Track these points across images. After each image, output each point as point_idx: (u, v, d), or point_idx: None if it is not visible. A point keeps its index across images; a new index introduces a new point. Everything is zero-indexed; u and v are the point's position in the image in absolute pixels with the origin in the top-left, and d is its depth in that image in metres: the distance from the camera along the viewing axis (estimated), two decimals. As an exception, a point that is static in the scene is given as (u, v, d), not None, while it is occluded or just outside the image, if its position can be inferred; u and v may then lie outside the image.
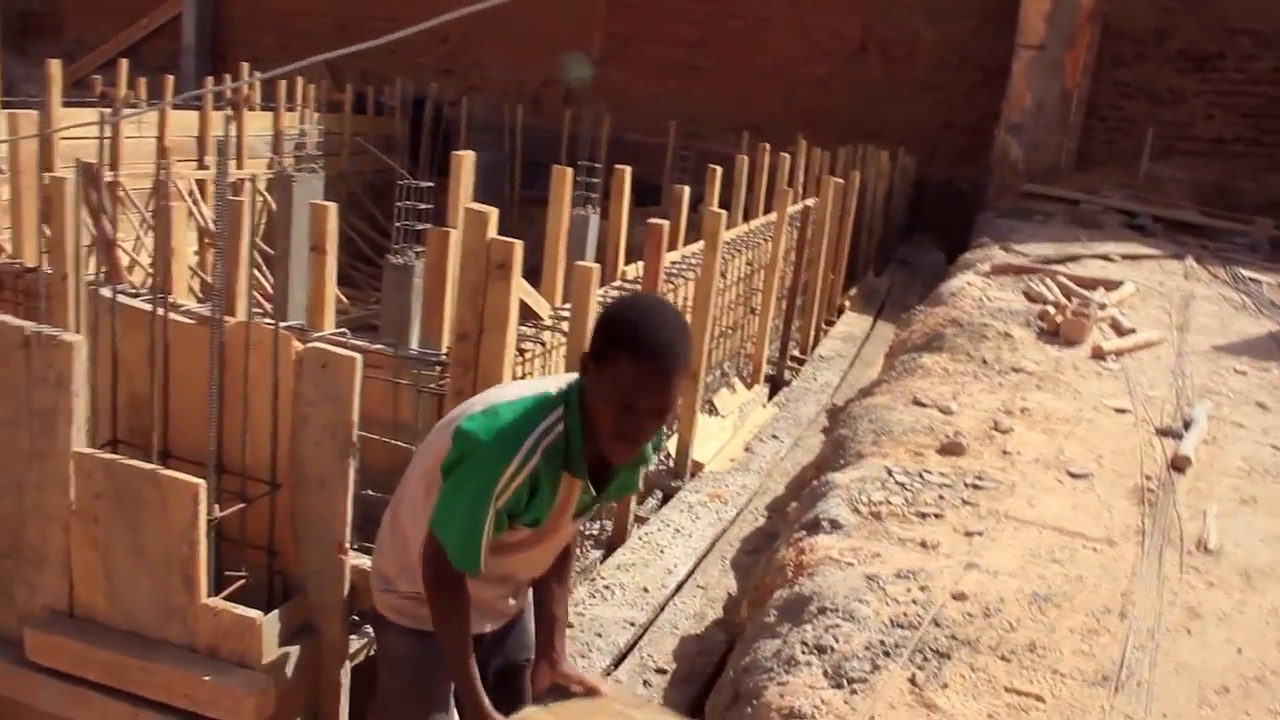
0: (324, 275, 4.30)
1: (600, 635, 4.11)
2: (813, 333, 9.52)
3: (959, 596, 3.30)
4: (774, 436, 6.76)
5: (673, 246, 5.84)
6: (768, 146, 8.95)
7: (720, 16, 15.91)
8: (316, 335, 3.64)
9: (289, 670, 2.55)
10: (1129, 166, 13.26)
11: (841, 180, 9.66)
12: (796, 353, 9.12)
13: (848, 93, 15.19)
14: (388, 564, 2.54)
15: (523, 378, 4.10)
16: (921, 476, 4.25)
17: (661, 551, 4.87)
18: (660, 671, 4.04)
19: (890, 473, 4.27)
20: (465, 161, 4.30)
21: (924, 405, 5.14)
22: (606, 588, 4.47)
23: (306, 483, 2.58)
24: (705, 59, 15.93)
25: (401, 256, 5.19)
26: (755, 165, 8.74)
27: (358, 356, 2.45)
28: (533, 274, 4.72)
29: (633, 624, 4.26)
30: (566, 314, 4.40)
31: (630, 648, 4.17)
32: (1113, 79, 13.70)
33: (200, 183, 10.73)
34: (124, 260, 7.24)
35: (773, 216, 7.87)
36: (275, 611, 2.53)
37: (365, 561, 2.68)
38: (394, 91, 15.30)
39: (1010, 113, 13.51)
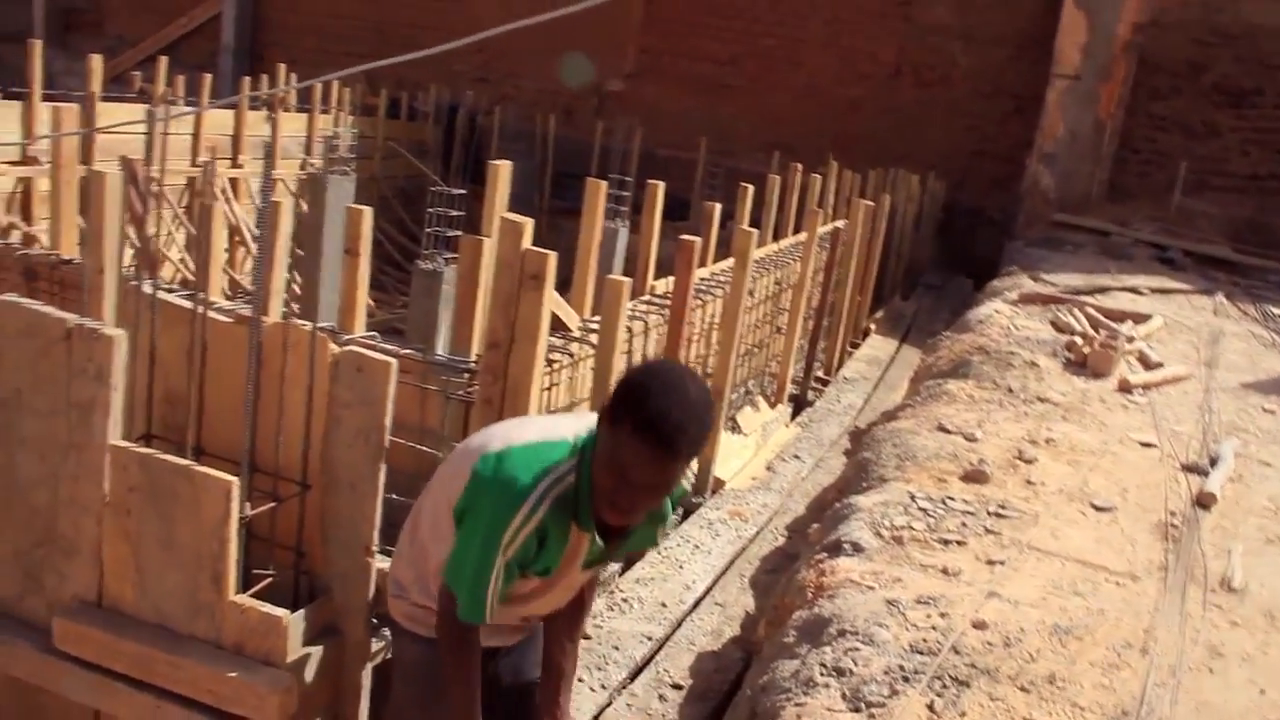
0: (356, 278, 4.34)
1: (617, 648, 4.12)
2: (838, 354, 9.52)
3: (979, 625, 3.29)
4: (796, 456, 6.76)
5: (702, 263, 5.85)
6: (800, 167, 8.95)
7: (754, 35, 15.94)
8: (347, 338, 3.68)
9: (312, 670, 2.57)
10: (1161, 200, 13.20)
11: (872, 203, 9.66)
12: (821, 373, 9.11)
13: (880, 116, 15.19)
14: (404, 571, 2.56)
15: (550, 388, 4.12)
16: (944, 503, 4.23)
17: (680, 567, 4.87)
18: (676, 687, 4.04)
19: (913, 498, 4.26)
20: (501, 171, 4.33)
21: (949, 431, 5.13)
22: (625, 601, 4.48)
23: (337, 485, 2.60)
24: (738, 77, 15.96)
25: (431, 262, 5.22)
26: (786, 185, 8.75)
27: (393, 361, 2.47)
28: (560, 285, 4.75)
29: (650, 638, 4.27)
30: (596, 326, 4.43)
31: (647, 662, 4.17)
32: (1147, 111, 13.64)
33: (233, 181, 10.83)
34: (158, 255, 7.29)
35: (802, 236, 7.87)
36: (301, 611, 2.55)
37: (387, 564, 2.70)
38: (428, 98, 15.38)
39: (1043, 142, 13.49)
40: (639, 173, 9.86)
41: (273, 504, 2.62)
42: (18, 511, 2.63)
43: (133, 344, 2.60)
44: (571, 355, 4.27)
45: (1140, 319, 7.82)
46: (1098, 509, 4.31)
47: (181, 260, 9.22)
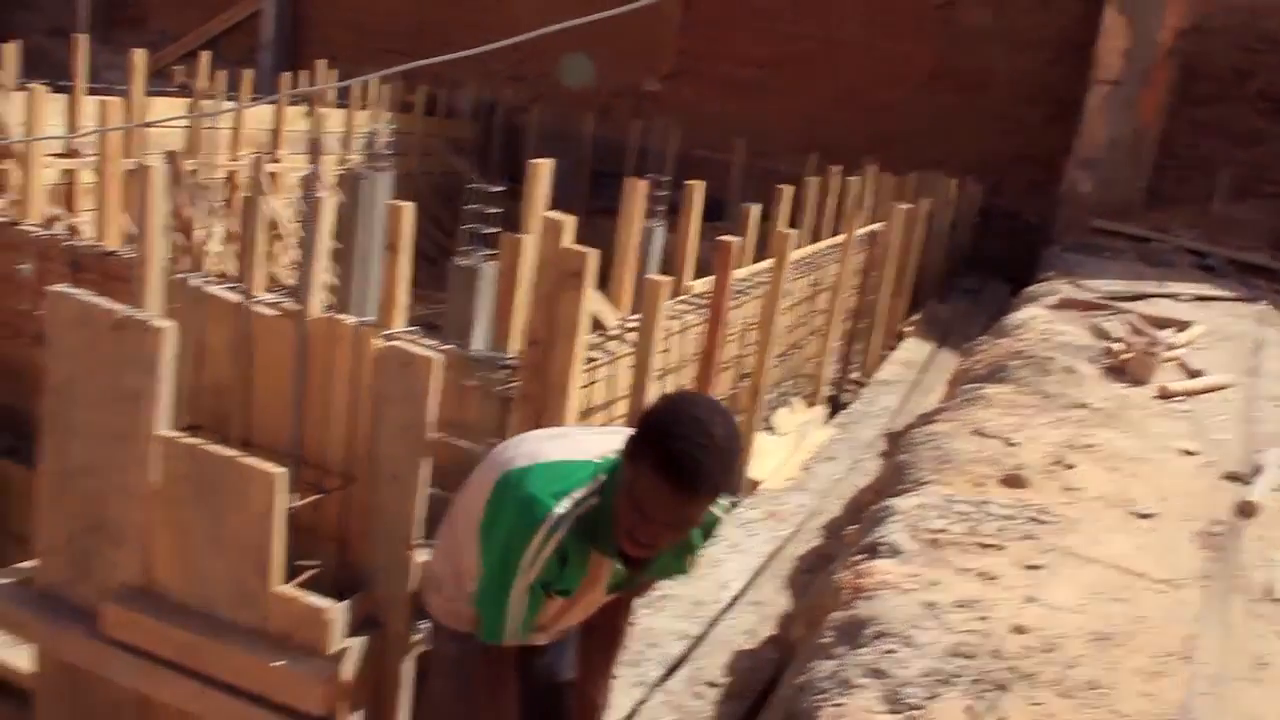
0: (396, 274, 4.36)
1: (653, 645, 4.12)
2: (874, 356, 9.48)
3: (1019, 629, 3.27)
4: (832, 458, 6.74)
5: (739, 264, 5.85)
6: (840, 169, 8.93)
7: (793, 38, 15.90)
8: (389, 333, 3.70)
9: (354, 661, 2.59)
10: (1202, 206, 13.06)
11: (909, 206, 9.62)
12: (857, 375, 9.08)
13: (918, 119, 15.10)
14: (440, 566, 2.58)
15: (589, 385, 4.13)
16: (983, 507, 4.21)
17: (716, 566, 4.88)
18: (712, 685, 4.04)
19: (951, 501, 4.24)
20: (542, 169, 4.35)
21: (986, 436, 5.09)
22: (661, 598, 4.49)
23: (380, 478, 2.62)
24: (776, 79, 15.91)
25: (468, 259, 5.24)
26: (824, 187, 8.73)
27: (438, 357, 2.49)
28: (598, 284, 4.76)
29: (685, 636, 4.27)
30: (634, 325, 4.43)
31: (682, 659, 4.18)
32: (1189, 117, 13.49)
33: (272, 176, 10.91)
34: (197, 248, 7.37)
35: (840, 238, 7.85)
36: (344, 603, 2.57)
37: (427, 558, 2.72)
38: (465, 95, 15.44)
39: (1082, 147, 13.37)
40: (675, 173, 9.86)
41: (317, 496, 2.64)
42: (68, 499, 2.67)
43: (180, 336, 2.63)
44: (610, 353, 4.28)
45: (1181, 326, 7.74)
46: (1138, 516, 4.27)
47: (220, 254, 9.30)
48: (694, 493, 2.11)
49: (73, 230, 6.77)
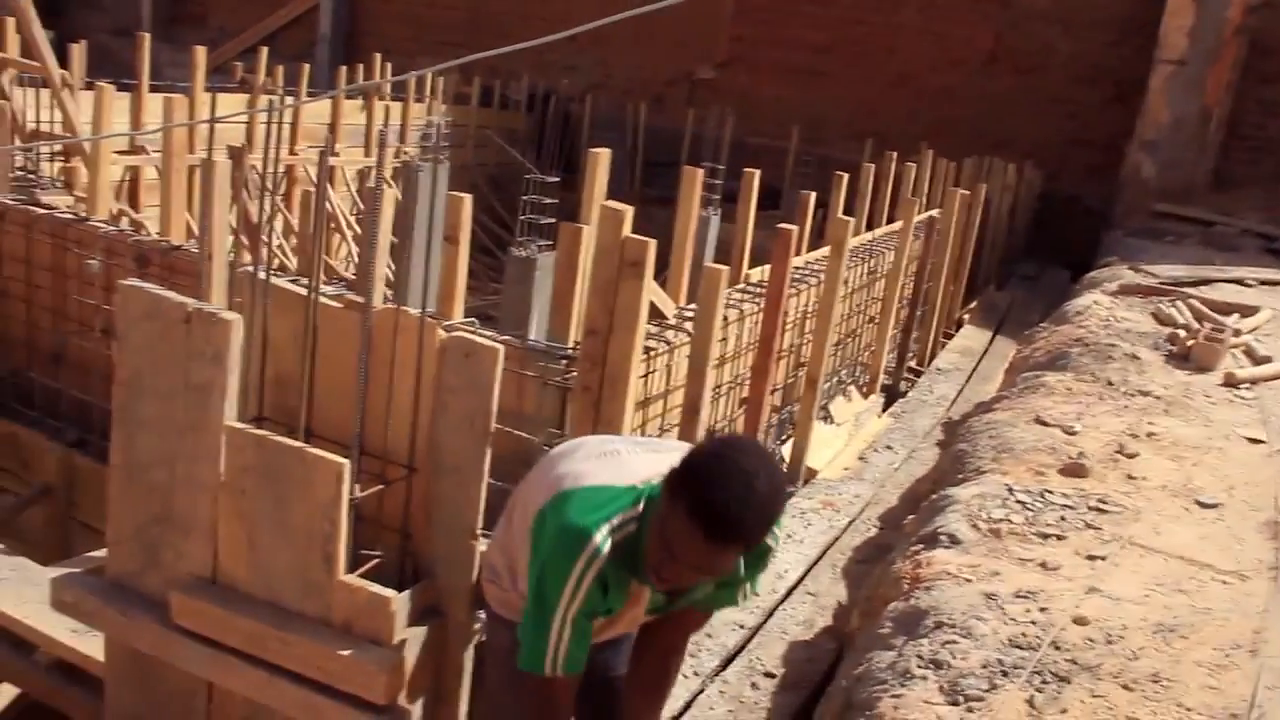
0: (455, 265, 4.40)
1: (710, 635, 4.13)
2: (931, 344, 9.41)
3: (1080, 621, 3.24)
4: (888, 447, 6.71)
5: (796, 252, 5.83)
6: (895, 155, 8.86)
7: (848, 23, 15.77)
8: (448, 324, 3.73)
9: (416, 650, 2.62)
10: (1270, 189, 12.78)
11: (966, 192, 9.53)
12: (914, 364, 9.02)
13: (975, 103, 14.93)
14: (497, 557, 2.61)
15: (648, 375, 4.15)
16: (1043, 496, 4.17)
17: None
18: (769, 675, 4.05)
19: (1011, 491, 4.21)
20: (601, 159, 4.36)
21: (1046, 424, 5.05)
22: (718, 589, 4.49)
23: (442, 469, 2.65)
24: (831, 65, 15.80)
25: (525, 250, 5.26)
26: (880, 174, 8.67)
27: (500, 347, 2.51)
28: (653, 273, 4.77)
29: (742, 626, 4.28)
30: (691, 314, 4.44)
31: (739, 650, 4.18)
32: (1257, 97, 13.20)
33: (330, 168, 11.04)
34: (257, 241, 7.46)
35: (896, 225, 7.80)
36: (407, 592, 2.60)
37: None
38: (520, 86, 15.50)
39: (1145, 129, 13.14)
40: (730, 161, 9.84)
41: (380, 487, 2.68)
42: (137, 489, 2.73)
43: (245, 328, 2.68)
44: (668, 343, 4.29)
45: (1247, 311, 7.60)
46: (1203, 505, 4.21)
47: (279, 246, 9.43)
48: (726, 544, 2.07)
49: (138, 226, 6.90)
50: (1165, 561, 3.69)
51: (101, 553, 3.19)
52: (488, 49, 2.80)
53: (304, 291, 2.70)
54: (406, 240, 6.67)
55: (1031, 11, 14.88)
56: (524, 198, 5.42)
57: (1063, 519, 3.98)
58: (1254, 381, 5.96)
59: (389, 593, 2.51)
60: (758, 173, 6.16)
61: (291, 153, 10.65)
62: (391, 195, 4.48)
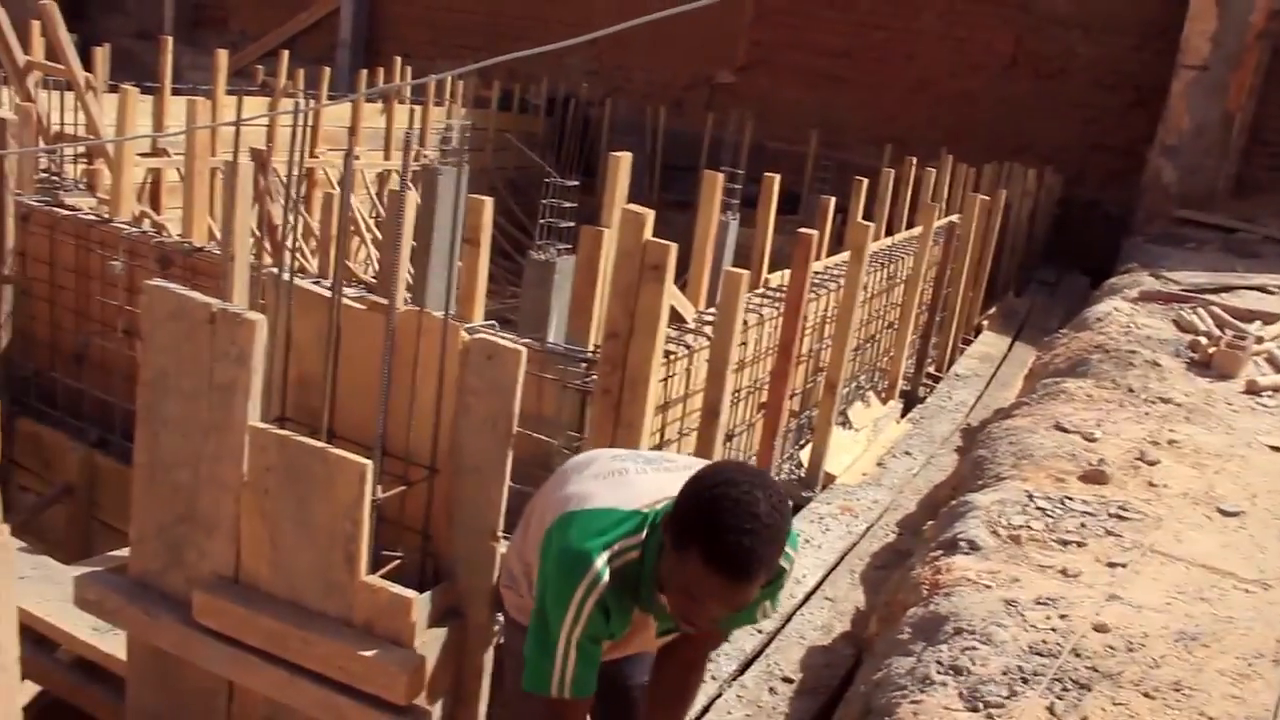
0: (476, 267, 4.41)
1: (728, 640, 4.13)
2: (950, 350, 9.39)
3: (1100, 628, 3.23)
4: (907, 453, 6.69)
5: (815, 257, 5.83)
6: (914, 160, 8.85)
7: (867, 28, 15.76)
8: (469, 326, 3.74)
9: (437, 651, 2.63)
10: (1292, 195, 12.71)
11: (986, 197, 9.51)
12: (932, 369, 9.00)
13: (995, 108, 14.90)
14: (515, 563, 2.59)
15: (668, 379, 4.15)
16: (1063, 503, 4.16)
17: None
18: (786, 680, 4.04)
19: (1031, 497, 4.19)
20: (622, 162, 4.37)
21: (1066, 431, 5.03)
22: (736, 593, 4.48)
23: (464, 470, 2.66)
24: (850, 69, 15.79)
25: (544, 253, 5.27)
26: (899, 179, 8.66)
27: (523, 350, 2.52)
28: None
29: (759, 631, 4.27)
30: (711, 319, 4.44)
31: (757, 654, 4.18)
32: (1280, 102, 13.13)
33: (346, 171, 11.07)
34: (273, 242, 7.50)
35: (916, 231, 7.78)
36: (428, 593, 2.61)
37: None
38: (539, 90, 15.53)
39: (1166, 135, 13.08)
40: (748, 166, 9.83)
41: (402, 488, 2.69)
42: (161, 489, 2.74)
43: (268, 329, 2.69)
44: (688, 347, 4.29)
45: (1270, 319, 7.55)
46: (1224, 514, 4.19)
47: (299, 248, 9.47)
48: (749, 580, 2.03)
49: (159, 228, 6.93)
50: (1187, 569, 3.67)
51: (123, 551, 3.20)
52: (507, 53, 2.81)
53: (327, 293, 2.71)
54: (426, 243, 6.69)
55: (1052, 16, 14.84)
56: (543, 201, 5.44)
57: (1083, 526, 3.96)
58: (1276, 389, 5.93)
59: (410, 594, 2.52)
60: (777, 177, 6.15)
61: (312, 156, 10.70)
62: (412, 198, 4.49)
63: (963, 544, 3.83)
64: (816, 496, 5.73)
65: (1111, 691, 2.89)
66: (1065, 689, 2.90)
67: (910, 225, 8.49)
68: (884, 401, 7.67)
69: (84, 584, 2.89)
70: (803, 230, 5.07)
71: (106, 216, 5.82)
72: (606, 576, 2.17)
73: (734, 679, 4.01)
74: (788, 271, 5.25)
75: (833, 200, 6.29)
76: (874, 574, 4.96)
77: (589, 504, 2.29)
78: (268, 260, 6.78)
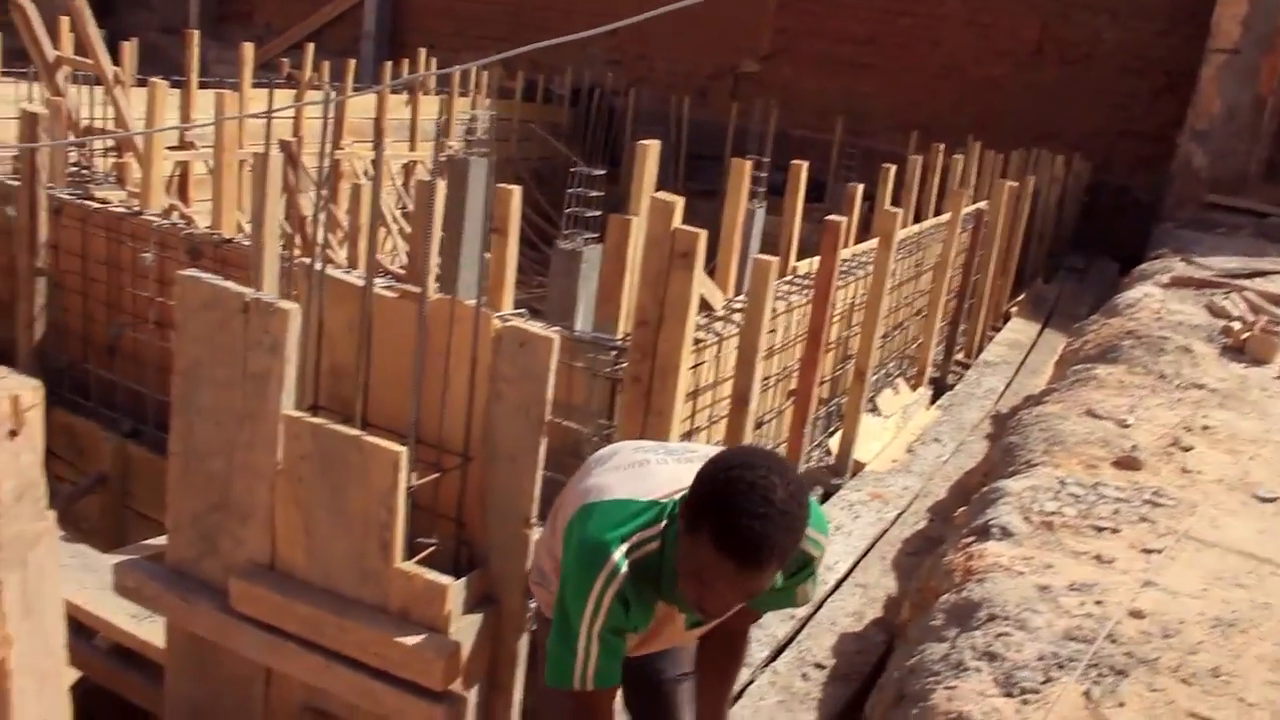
0: (504, 256, 4.42)
1: (760, 626, 4.12)
2: (979, 337, 9.34)
3: (1136, 614, 3.21)
4: (936, 440, 6.67)
5: (843, 244, 5.81)
6: (941, 147, 8.80)
7: (892, 14, 15.67)
8: (499, 315, 3.75)
9: (472, 637, 2.63)
10: (1325, 179, 12.57)
11: (1015, 184, 9.45)
12: (961, 356, 8.96)
13: (1022, 95, 14.78)
14: (545, 560, 2.57)
15: (697, 366, 4.14)
16: (1096, 489, 4.13)
17: (821, 548, 4.86)
18: (819, 667, 4.04)
19: (1063, 483, 4.17)
20: (649, 150, 4.36)
21: (1098, 417, 5.00)
22: (766, 580, 4.48)
23: (497, 457, 2.66)
24: (875, 56, 15.70)
25: (571, 242, 5.27)
26: (926, 166, 8.61)
27: (555, 337, 2.52)
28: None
29: (792, 617, 4.27)
30: (740, 306, 4.43)
31: (789, 641, 4.18)
32: (1313, 85, 12.97)
33: (373, 163, 11.10)
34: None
35: (944, 218, 7.74)
36: (462, 580, 2.61)
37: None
38: (563, 80, 15.52)
39: (1196, 120, 12.95)
40: (774, 154, 9.79)
41: (435, 475, 2.69)
42: (196, 478, 2.76)
43: (301, 320, 2.70)
44: (718, 335, 4.28)
45: (1303, 303, 7.48)
46: (1261, 500, 4.16)
47: (326, 239, 9.50)
48: (759, 567, 1.97)
49: (188, 220, 6.97)
50: (1223, 555, 3.65)
51: (159, 540, 3.23)
52: (530, 44, 2.80)
53: (359, 282, 2.72)
54: (454, 233, 6.70)
55: (1078, 1, 14.71)
56: (569, 191, 5.44)
57: (1116, 512, 3.94)
58: (1311, 374, 5.87)
59: (445, 580, 2.53)
60: (804, 165, 6.13)
61: (337, 147, 10.73)
62: (442, 187, 4.50)
63: (995, 530, 3.81)
64: (846, 483, 5.72)
65: (1148, 678, 2.88)
66: (1101, 675, 2.89)
67: (938, 212, 8.45)
68: (913, 388, 7.65)
69: (123, 571, 2.91)
70: (831, 217, 5.05)
71: (137, 209, 5.86)
72: (625, 568, 2.14)
73: (766, 665, 4.01)
74: (816, 259, 5.24)
75: (860, 187, 6.26)
76: (905, 560, 4.95)
77: (607, 495, 2.27)
78: (295, 252, 6.81)
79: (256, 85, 9.98)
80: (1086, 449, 4.56)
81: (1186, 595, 3.33)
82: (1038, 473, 4.34)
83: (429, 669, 2.48)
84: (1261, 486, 4.25)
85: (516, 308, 4.60)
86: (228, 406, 2.67)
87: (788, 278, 5.46)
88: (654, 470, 2.35)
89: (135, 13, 19.25)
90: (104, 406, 5.73)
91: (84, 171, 6.78)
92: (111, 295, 5.67)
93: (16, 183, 5.65)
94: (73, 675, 3.53)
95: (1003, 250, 9.55)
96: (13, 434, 1.61)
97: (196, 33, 9.59)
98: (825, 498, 5.56)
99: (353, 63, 11.55)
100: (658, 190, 3.84)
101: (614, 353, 3.87)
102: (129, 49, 8.71)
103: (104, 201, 5.81)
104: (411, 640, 2.50)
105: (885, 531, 5.24)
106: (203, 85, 9.48)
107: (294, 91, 11.14)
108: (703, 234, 3.44)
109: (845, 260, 5.88)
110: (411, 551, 2.68)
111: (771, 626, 4.16)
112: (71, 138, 7.06)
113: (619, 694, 2.50)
